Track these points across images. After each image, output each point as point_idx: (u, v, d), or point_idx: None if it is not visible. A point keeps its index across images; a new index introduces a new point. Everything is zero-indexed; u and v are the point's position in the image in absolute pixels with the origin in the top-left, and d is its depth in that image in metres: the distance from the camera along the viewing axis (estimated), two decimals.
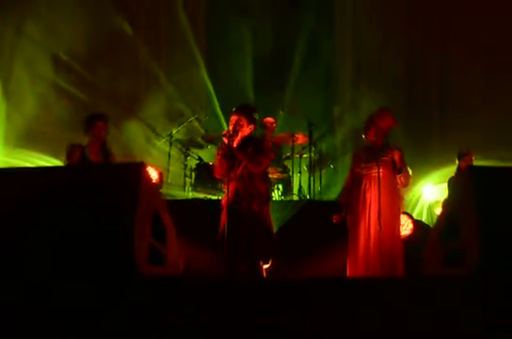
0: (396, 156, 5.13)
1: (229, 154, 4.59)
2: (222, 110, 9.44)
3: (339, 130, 9.75)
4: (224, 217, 4.56)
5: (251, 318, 2.17)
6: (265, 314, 2.18)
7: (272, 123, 8.25)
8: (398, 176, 5.14)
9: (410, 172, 5.30)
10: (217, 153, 4.73)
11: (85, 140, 5.74)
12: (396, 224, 5.15)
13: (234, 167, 4.63)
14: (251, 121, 4.75)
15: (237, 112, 4.74)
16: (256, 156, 4.62)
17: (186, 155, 8.43)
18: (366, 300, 2.25)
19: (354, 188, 5.24)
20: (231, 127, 4.69)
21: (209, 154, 8.70)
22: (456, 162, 7.00)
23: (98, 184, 2.58)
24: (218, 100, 9.60)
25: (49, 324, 2.09)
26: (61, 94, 8.49)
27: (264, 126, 8.19)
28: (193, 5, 9.92)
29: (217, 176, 4.84)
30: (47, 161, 7.72)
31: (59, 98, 8.44)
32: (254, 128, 4.81)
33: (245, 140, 4.70)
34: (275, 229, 5.99)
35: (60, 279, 2.24)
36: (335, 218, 5.23)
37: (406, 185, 5.28)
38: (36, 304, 2.11)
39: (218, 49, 9.96)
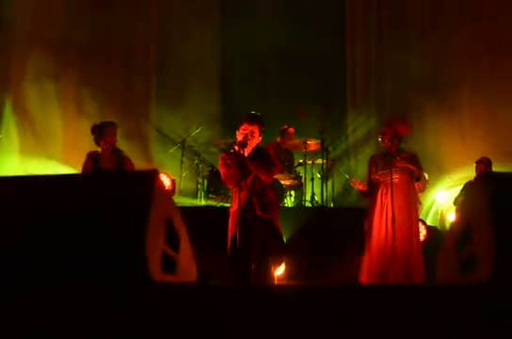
0: (412, 162, 5.12)
1: (241, 163, 4.57)
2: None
3: (352, 136, 9.72)
4: (232, 225, 4.57)
5: (265, 325, 2.16)
6: (280, 321, 2.16)
7: (292, 135, 8.33)
8: (416, 183, 5.13)
9: (427, 177, 5.29)
10: (223, 163, 4.68)
11: (98, 148, 5.86)
12: (414, 230, 5.12)
13: (245, 176, 4.61)
14: (262, 132, 4.68)
15: (252, 122, 4.63)
16: (268, 167, 4.61)
17: (199, 162, 8.47)
18: (379, 308, 2.23)
19: (371, 194, 5.23)
20: (242, 136, 4.61)
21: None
22: (474, 167, 7.02)
23: (110, 191, 2.58)
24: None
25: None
26: (74, 103, 8.56)
27: (283, 134, 8.26)
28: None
29: (229, 185, 4.77)
30: (62, 169, 7.79)
31: (73, 107, 8.51)
32: (261, 140, 4.74)
33: (255, 151, 4.68)
34: (287, 236, 5.98)
35: (71, 288, 2.24)
36: (360, 185, 5.20)
37: (423, 190, 5.29)
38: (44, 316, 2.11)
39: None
